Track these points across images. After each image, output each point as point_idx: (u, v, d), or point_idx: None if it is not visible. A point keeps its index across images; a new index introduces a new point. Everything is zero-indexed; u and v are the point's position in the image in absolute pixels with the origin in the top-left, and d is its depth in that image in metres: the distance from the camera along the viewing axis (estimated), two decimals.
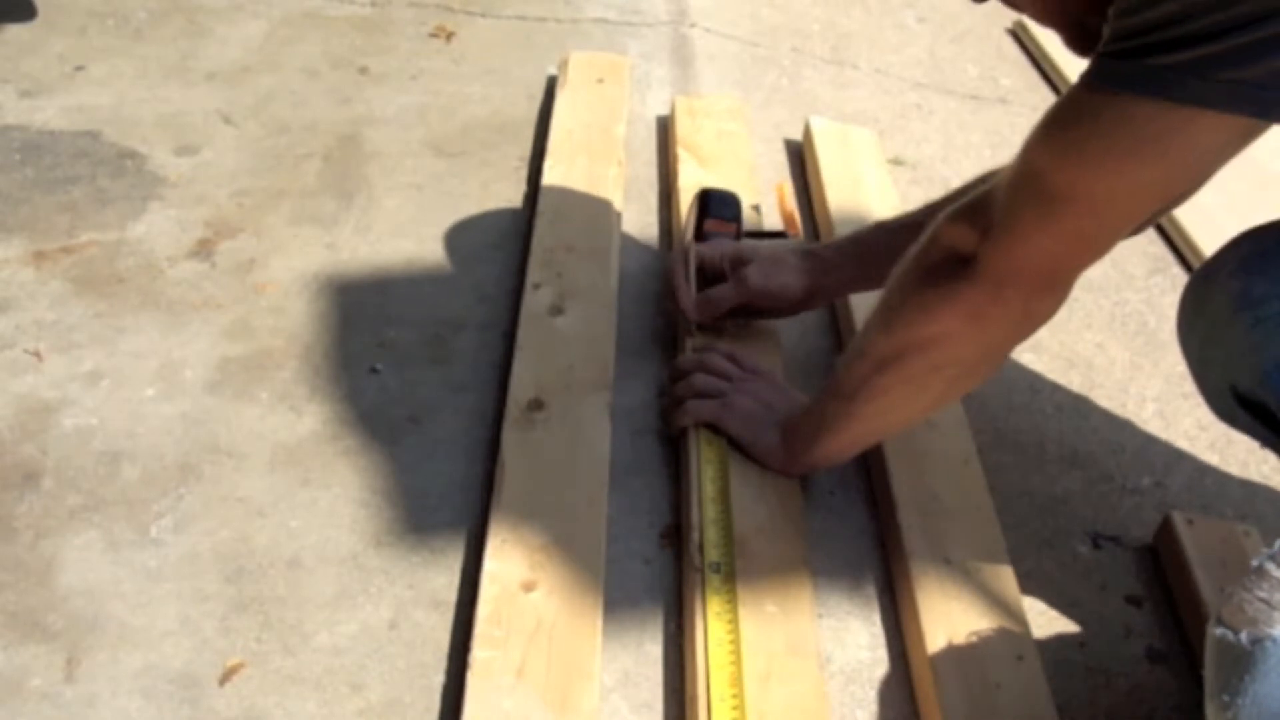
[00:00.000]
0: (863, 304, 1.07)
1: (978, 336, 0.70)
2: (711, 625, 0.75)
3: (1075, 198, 0.61)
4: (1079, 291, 1.21)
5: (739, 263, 0.95)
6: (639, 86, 1.49)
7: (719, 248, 0.98)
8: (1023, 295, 0.67)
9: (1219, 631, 0.54)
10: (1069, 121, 0.61)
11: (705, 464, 0.87)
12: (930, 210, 0.90)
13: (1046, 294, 0.67)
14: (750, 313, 0.98)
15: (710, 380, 0.90)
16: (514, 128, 1.37)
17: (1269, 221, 0.75)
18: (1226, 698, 0.54)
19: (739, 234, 1.01)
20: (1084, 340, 1.15)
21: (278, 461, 0.89)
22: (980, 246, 0.65)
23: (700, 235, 1.00)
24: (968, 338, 0.70)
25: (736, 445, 0.88)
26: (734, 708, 0.70)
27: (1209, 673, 0.57)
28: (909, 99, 1.60)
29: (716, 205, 0.98)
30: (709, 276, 0.97)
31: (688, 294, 0.96)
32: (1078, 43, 0.66)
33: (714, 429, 0.88)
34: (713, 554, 0.80)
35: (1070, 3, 0.65)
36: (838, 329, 1.10)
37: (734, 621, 0.75)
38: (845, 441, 0.84)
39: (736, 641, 0.74)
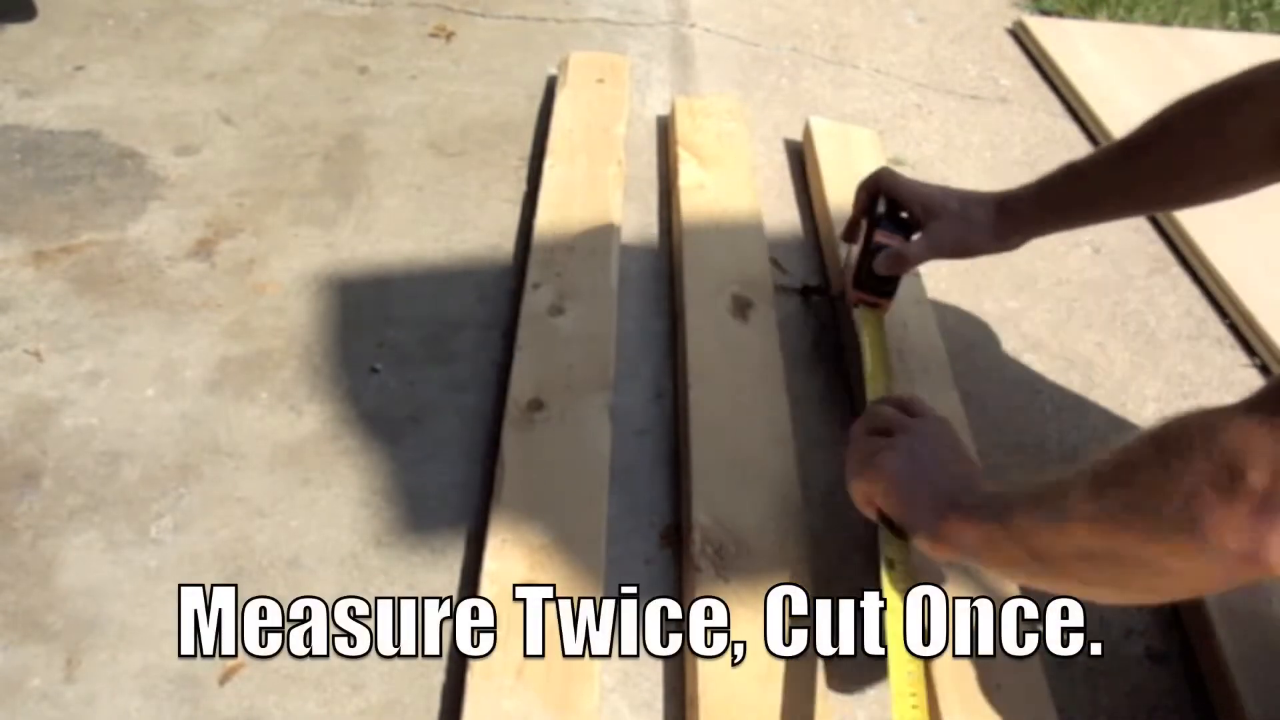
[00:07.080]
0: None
1: (1238, 575, 0.52)
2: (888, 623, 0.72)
3: None
4: (1079, 291, 1.23)
5: (929, 215, 0.95)
6: (639, 86, 1.49)
7: (913, 190, 0.97)
8: None
9: None
10: None
11: None
12: (1124, 150, 0.87)
13: None
14: None
15: (871, 441, 0.79)
16: (514, 128, 1.37)
17: None
18: None
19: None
20: (1084, 340, 1.15)
21: (278, 461, 0.89)
22: None
23: (869, 243, 0.97)
24: (1224, 575, 0.52)
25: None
26: (914, 706, 0.67)
27: None
28: (909, 99, 1.60)
29: (891, 220, 0.96)
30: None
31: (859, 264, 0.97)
32: None
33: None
34: (888, 550, 0.76)
35: None
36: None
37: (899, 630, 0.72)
38: (1002, 572, 0.76)
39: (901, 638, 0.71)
